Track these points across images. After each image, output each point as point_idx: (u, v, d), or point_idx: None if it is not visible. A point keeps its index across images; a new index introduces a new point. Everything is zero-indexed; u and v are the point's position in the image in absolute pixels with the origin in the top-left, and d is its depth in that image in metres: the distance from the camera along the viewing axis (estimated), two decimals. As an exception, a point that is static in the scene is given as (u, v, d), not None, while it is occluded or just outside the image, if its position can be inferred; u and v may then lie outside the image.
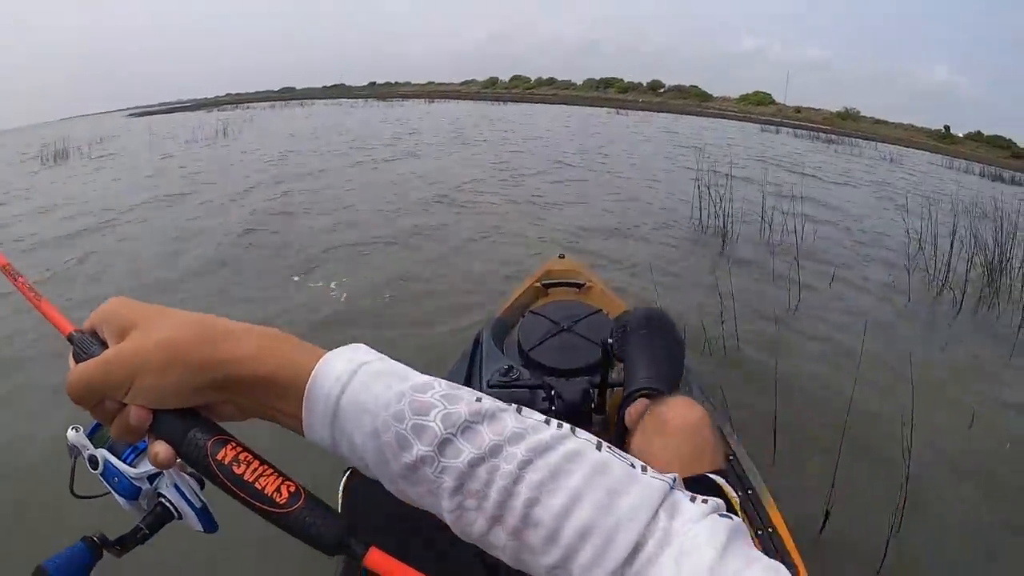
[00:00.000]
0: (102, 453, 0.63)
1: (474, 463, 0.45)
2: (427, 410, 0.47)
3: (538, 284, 2.90)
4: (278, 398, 0.50)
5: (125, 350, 0.49)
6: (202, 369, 0.49)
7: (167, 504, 0.62)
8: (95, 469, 0.63)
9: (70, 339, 0.56)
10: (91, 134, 23.57)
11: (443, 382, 0.50)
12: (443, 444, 0.46)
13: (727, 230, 6.23)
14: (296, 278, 4.96)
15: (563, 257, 3.19)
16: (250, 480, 0.48)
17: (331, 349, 0.52)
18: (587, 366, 1.99)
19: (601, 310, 2.35)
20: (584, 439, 0.48)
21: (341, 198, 8.38)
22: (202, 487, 0.62)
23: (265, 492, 0.48)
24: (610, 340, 1.78)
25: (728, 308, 3.79)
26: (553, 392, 1.79)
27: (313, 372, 0.49)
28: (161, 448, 0.49)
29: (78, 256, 5.89)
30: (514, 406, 0.50)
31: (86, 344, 0.54)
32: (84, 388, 0.49)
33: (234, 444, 0.50)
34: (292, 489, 0.48)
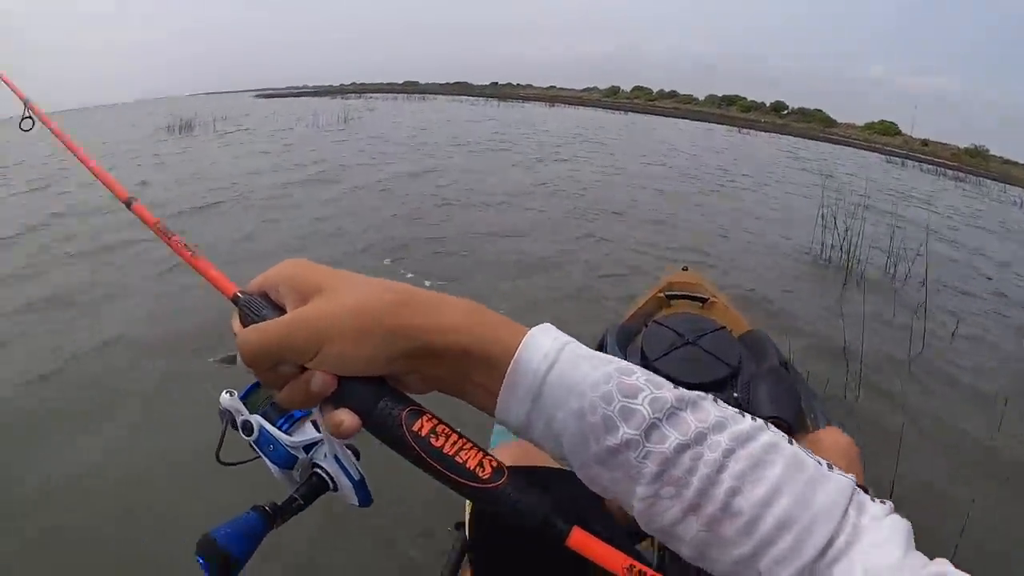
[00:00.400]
0: (257, 419, 0.62)
1: (679, 450, 0.44)
2: (635, 393, 0.46)
3: (661, 295, 2.86)
4: (477, 371, 0.49)
5: (313, 313, 0.47)
6: (400, 337, 0.47)
7: (323, 475, 0.61)
8: (248, 435, 0.62)
9: (235, 300, 0.54)
10: (217, 111, 24.99)
11: (639, 367, 0.49)
12: (650, 429, 0.45)
13: (852, 262, 5.98)
14: (386, 260, 5.07)
15: (687, 269, 3.14)
16: (450, 453, 0.46)
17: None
18: (713, 381, 1.95)
19: (725, 327, 2.30)
20: (776, 431, 0.47)
21: (477, 197, 8.55)
22: (358, 459, 0.61)
23: (467, 466, 0.46)
24: (736, 395, 1.82)
25: (851, 342, 3.63)
26: None
27: (520, 346, 0.48)
28: (347, 417, 0.48)
29: (208, 226, 6.26)
30: (710, 395, 0.49)
31: (255, 306, 0.53)
32: (262, 351, 0.48)
33: (430, 415, 0.48)
34: (495, 465, 0.46)
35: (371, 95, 52.39)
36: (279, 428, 0.63)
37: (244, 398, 0.64)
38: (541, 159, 13.00)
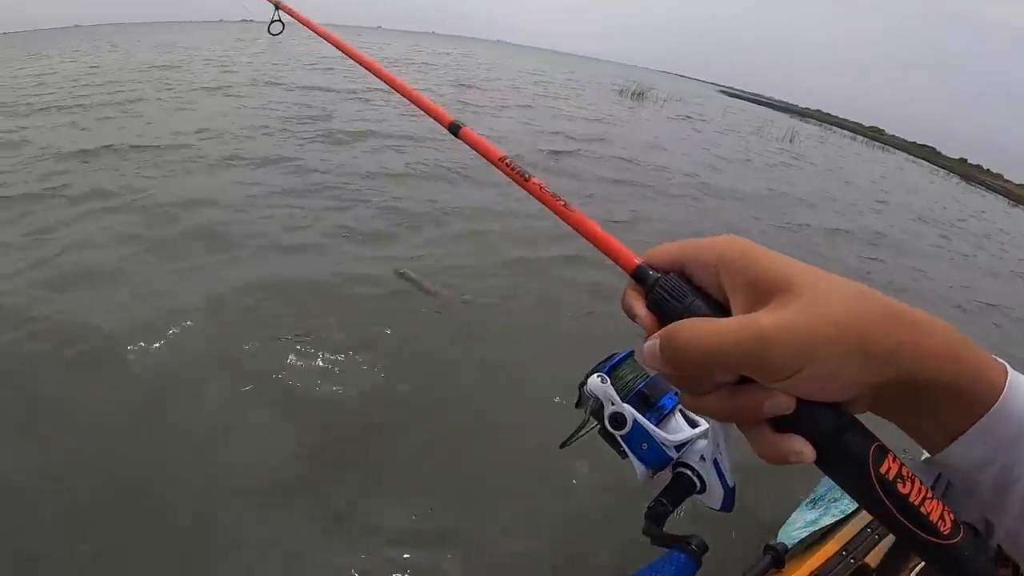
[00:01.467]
0: (631, 412, 0.57)
1: None
2: None
3: None
4: (944, 405, 0.41)
5: (803, 324, 0.39)
6: (891, 363, 0.39)
7: (691, 476, 0.57)
8: (618, 429, 0.57)
9: (639, 276, 0.47)
10: (671, 89, 25.86)
11: None
12: None
13: None
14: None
15: None
16: (915, 503, 0.40)
17: None
18: None
19: None
20: None
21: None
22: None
23: (930, 518, 0.40)
24: None
25: None
26: None
27: (1007, 386, 0.40)
28: (806, 448, 0.41)
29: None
30: None
31: (677, 291, 0.44)
32: (713, 356, 0.40)
33: (894, 455, 0.41)
34: (952, 517, 0.41)
35: (830, 127, 49.98)
36: (648, 421, 0.58)
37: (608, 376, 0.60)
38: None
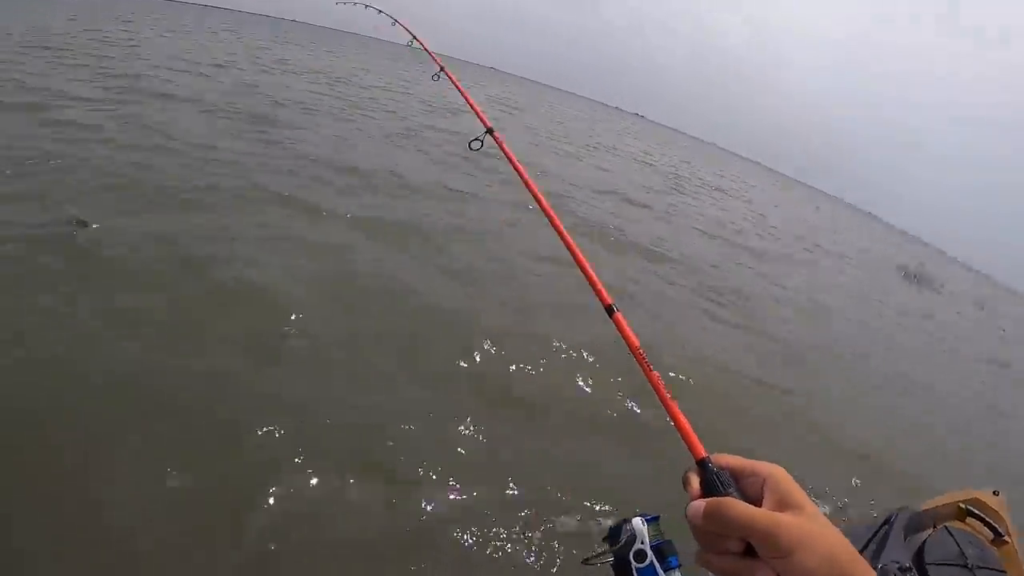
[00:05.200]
0: (652, 556, 0.67)
1: None
2: None
3: (961, 505, 2.67)
4: None
5: (806, 527, 0.57)
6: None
7: None
8: (639, 562, 0.67)
9: (701, 464, 0.65)
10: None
11: None
12: None
13: None
14: None
15: (997, 494, 2.92)
16: None
17: None
18: None
19: (1006, 574, 2.18)
20: None
21: None
22: None
23: None
24: None
25: None
26: None
27: None
28: None
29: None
30: None
31: (726, 481, 0.63)
32: (740, 525, 0.57)
33: None
34: None
35: None
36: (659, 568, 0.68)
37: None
38: None
